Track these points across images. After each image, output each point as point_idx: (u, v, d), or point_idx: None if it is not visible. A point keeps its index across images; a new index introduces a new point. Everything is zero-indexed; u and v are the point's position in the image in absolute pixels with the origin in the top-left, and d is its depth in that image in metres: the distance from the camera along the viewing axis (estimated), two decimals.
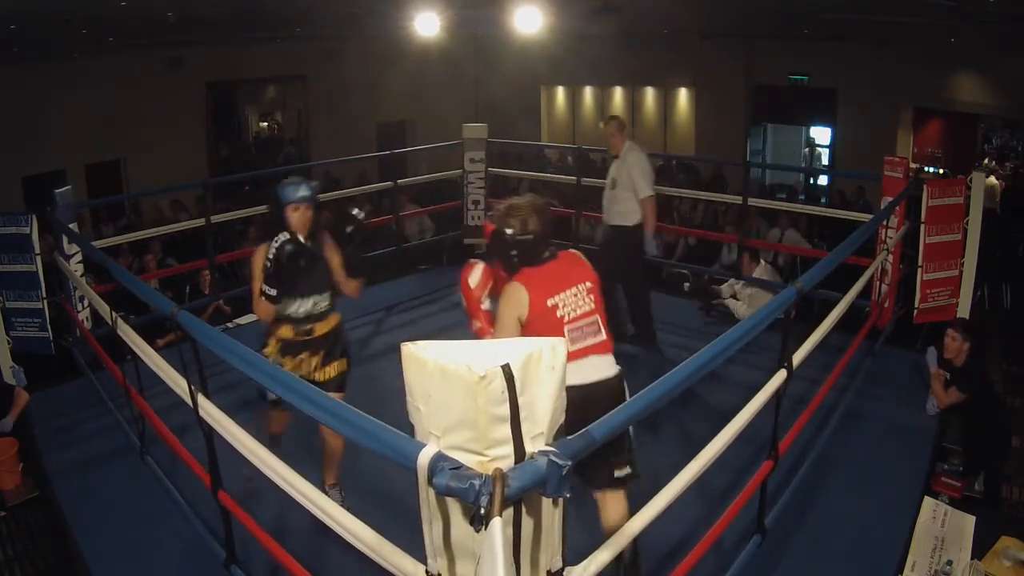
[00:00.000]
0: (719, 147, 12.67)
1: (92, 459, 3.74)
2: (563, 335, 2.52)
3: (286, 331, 3.08)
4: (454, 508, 1.46)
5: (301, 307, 3.07)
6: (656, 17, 9.96)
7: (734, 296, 5.66)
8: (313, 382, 2.87)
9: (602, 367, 2.60)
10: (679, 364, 1.96)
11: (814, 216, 8.22)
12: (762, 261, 5.77)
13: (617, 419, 1.69)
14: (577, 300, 2.61)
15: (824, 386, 3.34)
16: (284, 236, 2.90)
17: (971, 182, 4.52)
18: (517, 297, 2.58)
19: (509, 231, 2.62)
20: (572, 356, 2.29)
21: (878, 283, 4.65)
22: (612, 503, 2.60)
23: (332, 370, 3.16)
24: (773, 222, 8.25)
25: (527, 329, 2.57)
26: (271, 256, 2.88)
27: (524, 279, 2.61)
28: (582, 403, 2.14)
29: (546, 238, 2.67)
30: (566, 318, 2.57)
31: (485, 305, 2.73)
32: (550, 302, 2.57)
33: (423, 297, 6.09)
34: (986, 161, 10.72)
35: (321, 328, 3.13)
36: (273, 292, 2.94)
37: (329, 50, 12.67)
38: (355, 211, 3.20)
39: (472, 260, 2.82)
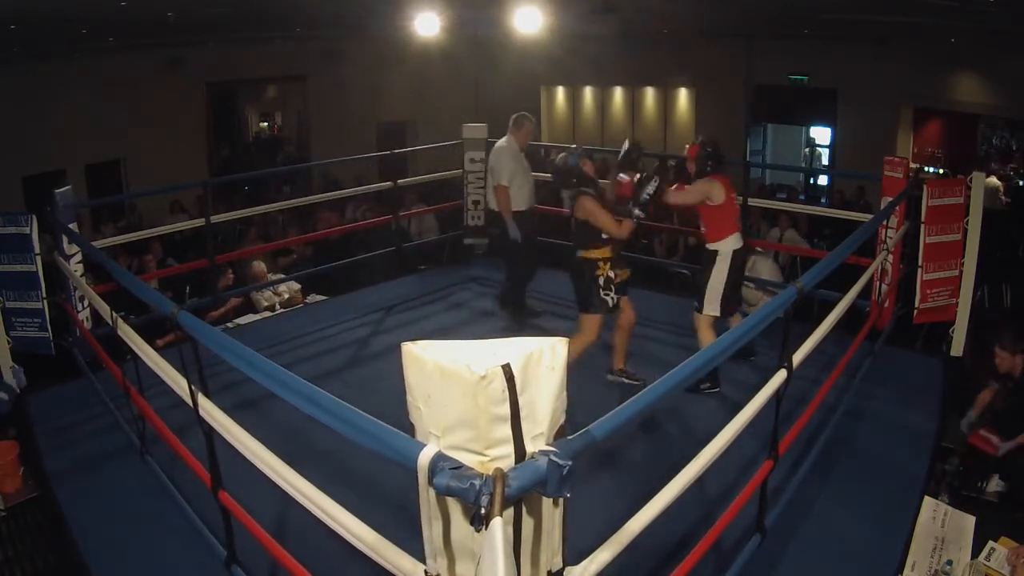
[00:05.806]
0: (719, 147, 12.65)
1: (92, 459, 3.73)
2: (737, 215, 4.30)
3: (607, 251, 3.99)
4: (454, 508, 1.46)
5: None
6: (656, 17, 9.96)
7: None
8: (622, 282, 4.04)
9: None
10: (679, 364, 1.96)
11: (814, 216, 8.20)
12: (758, 249, 5.79)
13: (619, 418, 1.70)
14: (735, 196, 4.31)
15: (824, 386, 3.34)
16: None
17: (971, 182, 4.52)
18: (711, 186, 4.15)
19: (709, 149, 4.21)
20: (736, 229, 4.21)
21: (878, 283, 4.65)
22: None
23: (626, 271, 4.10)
24: (773, 222, 8.24)
25: (722, 208, 4.15)
26: (652, 189, 3.85)
27: (715, 179, 4.18)
28: (745, 255, 4.38)
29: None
30: (737, 204, 4.33)
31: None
32: (732, 195, 4.23)
33: (423, 297, 6.08)
34: (994, 168, 10.65)
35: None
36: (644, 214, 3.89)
37: (329, 50, 12.66)
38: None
39: (623, 177, 4.04)
